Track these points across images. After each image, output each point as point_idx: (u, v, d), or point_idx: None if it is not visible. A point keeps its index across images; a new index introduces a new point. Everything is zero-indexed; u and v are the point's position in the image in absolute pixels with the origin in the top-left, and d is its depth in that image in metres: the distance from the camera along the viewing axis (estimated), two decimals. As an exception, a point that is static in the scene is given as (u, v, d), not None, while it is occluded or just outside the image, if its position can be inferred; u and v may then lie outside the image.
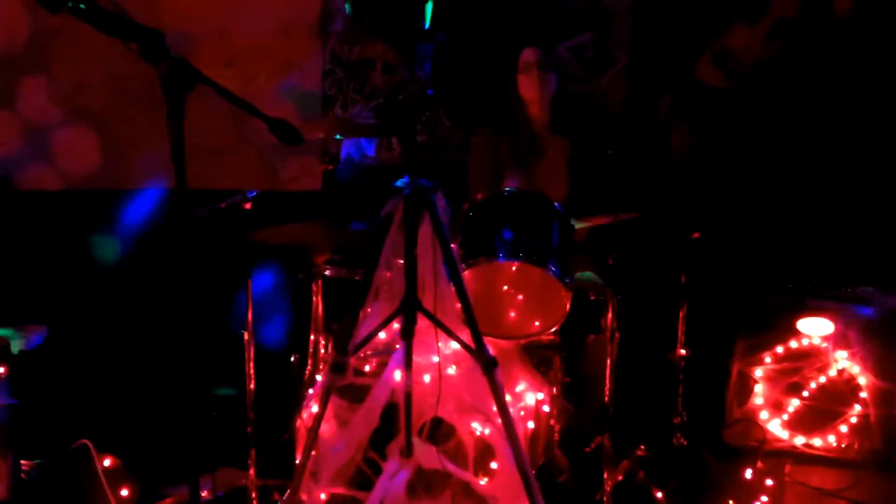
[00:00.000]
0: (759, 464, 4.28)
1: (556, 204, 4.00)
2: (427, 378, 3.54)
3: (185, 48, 4.85)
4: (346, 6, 5.19)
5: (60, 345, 4.29)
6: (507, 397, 3.38)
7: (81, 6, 2.39)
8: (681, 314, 4.20)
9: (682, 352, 4.22)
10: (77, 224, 5.12)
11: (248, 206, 3.92)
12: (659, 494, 4.02)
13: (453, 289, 3.34)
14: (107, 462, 3.83)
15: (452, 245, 3.56)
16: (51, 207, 5.12)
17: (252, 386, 4.06)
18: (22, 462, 3.81)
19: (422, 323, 3.31)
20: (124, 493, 3.82)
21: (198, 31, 5.26)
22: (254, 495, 4.01)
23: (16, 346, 3.86)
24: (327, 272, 4.21)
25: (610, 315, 4.01)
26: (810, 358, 4.60)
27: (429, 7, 3.06)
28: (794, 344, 4.63)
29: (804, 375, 4.60)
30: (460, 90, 5.32)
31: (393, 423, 3.45)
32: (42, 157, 5.22)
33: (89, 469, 3.68)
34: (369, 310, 3.49)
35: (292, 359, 4.38)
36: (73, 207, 5.16)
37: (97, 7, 2.43)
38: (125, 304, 5.10)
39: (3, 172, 5.16)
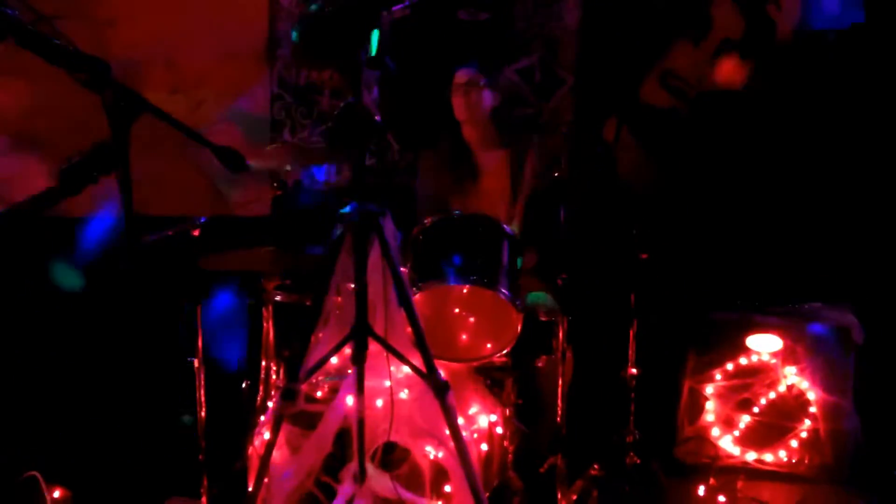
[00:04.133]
0: (712, 480, 4.32)
1: (504, 226, 4.02)
2: (379, 403, 3.54)
3: (131, 75, 4.82)
4: (293, 33, 5.21)
5: (7, 373, 4.24)
6: (460, 420, 3.38)
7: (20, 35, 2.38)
8: (631, 333, 4.24)
9: (633, 370, 4.25)
10: (24, 252, 5.06)
11: (196, 232, 3.89)
12: (613, 513, 4.04)
13: (404, 313, 3.34)
14: (56, 493, 3.78)
15: (402, 269, 3.56)
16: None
17: (203, 413, 4.02)
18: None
19: (373, 347, 3.30)
20: (74, 524, 3.78)
21: (144, 57, 5.24)
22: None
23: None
24: (278, 297, 4.20)
25: (561, 335, 4.02)
26: (760, 374, 4.64)
27: (375, 34, 3.07)
28: (743, 360, 4.67)
29: (754, 392, 4.64)
30: (406, 114, 5.34)
31: (346, 448, 3.44)
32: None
33: (39, 501, 3.63)
34: (320, 335, 3.47)
35: (244, 385, 4.36)
36: (18, 234, 5.09)
37: (40, 36, 2.42)
38: (74, 331, 5.04)
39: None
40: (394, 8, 3.25)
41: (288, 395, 3.22)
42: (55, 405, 4.84)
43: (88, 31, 5.13)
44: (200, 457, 3.99)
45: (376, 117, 3.24)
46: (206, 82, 5.41)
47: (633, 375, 4.25)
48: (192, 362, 3.96)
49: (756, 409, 4.62)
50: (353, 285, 3.26)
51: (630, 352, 4.23)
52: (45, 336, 5.04)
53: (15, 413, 4.62)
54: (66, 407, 4.84)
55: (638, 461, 4.25)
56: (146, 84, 5.27)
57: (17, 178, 5.15)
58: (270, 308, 4.20)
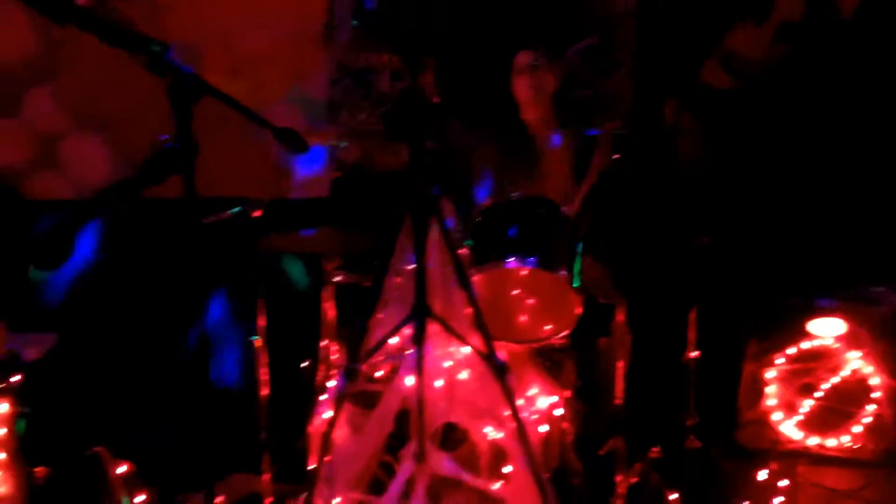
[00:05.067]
0: (773, 465, 4.27)
1: (564, 208, 4.02)
2: (439, 383, 3.55)
3: (191, 58, 4.86)
4: (353, 20, 5.22)
5: (73, 352, 4.31)
6: (519, 401, 3.38)
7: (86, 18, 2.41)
8: (692, 316, 4.20)
9: (694, 354, 4.22)
10: (91, 233, 5.13)
11: (257, 213, 3.93)
12: (672, 497, 4.01)
13: (463, 294, 3.34)
14: (121, 469, 3.84)
15: (462, 250, 3.57)
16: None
17: (265, 392, 4.06)
18: (36, 470, 3.82)
19: (433, 328, 3.31)
20: (139, 499, 3.83)
21: (204, 40, 5.27)
22: (268, 501, 4.02)
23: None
24: (338, 278, 4.22)
25: (621, 318, 4.00)
26: (822, 358, 4.59)
27: (432, 19, 3.07)
28: (805, 345, 4.62)
29: (817, 376, 4.59)
30: (467, 95, 5.33)
31: (406, 428, 3.46)
32: (51, 167, 5.23)
33: (103, 476, 3.69)
34: (380, 316, 3.49)
35: (304, 365, 4.39)
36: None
37: (102, 19, 2.44)
38: (138, 311, 5.10)
39: (11, 182, 5.18)
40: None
41: (349, 374, 3.25)
42: (120, 382, 4.91)
43: (148, 14, 5.17)
44: (262, 435, 4.04)
45: (436, 100, 3.24)
46: (264, 65, 5.42)
47: (693, 359, 4.21)
48: (254, 342, 4.01)
49: (818, 394, 4.57)
50: (412, 266, 3.28)
51: (690, 335, 4.20)
52: (111, 315, 5.10)
53: (81, 389, 4.70)
54: (131, 383, 4.91)
55: (698, 445, 4.22)
56: (205, 67, 5.30)
57: (80, 161, 5.24)
58: (330, 289, 4.22)
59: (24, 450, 3.72)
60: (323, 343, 4.27)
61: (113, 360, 4.97)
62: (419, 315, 3.26)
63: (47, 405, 3.89)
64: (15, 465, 3.71)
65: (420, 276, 3.26)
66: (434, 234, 3.32)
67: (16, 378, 3.81)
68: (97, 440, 3.75)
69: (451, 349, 3.44)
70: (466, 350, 3.41)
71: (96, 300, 5.13)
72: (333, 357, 4.24)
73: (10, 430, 3.70)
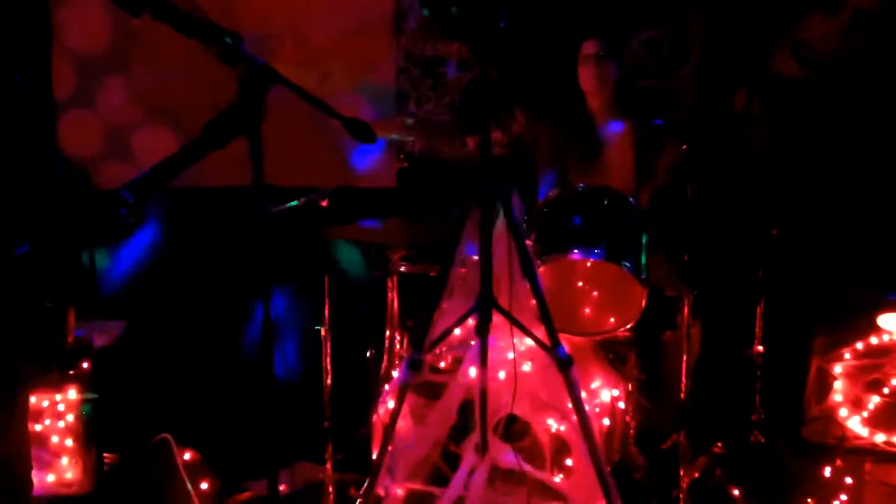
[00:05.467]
0: (839, 461, 4.22)
1: (630, 199, 3.99)
2: (502, 375, 3.55)
3: (261, 48, 4.90)
4: (423, 9, 5.22)
5: (140, 339, 4.39)
6: (583, 394, 3.37)
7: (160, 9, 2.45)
8: (758, 310, 4.16)
9: (760, 348, 4.18)
10: (158, 221, 5.22)
11: (324, 203, 3.96)
12: (736, 492, 3.99)
13: (528, 285, 3.34)
14: (187, 456, 3.91)
15: (527, 241, 3.57)
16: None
17: (329, 381, 4.11)
18: (104, 455, 3.90)
19: (497, 319, 3.32)
20: (204, 486, 3.89)
21: (273, 31, 5.31)
22: (331, 490, 4.06)
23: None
24: (402, 268, 4.24)
25: (686, 311, 3.98)
26: (891, 354, 4.51)
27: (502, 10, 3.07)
28: (874, 340, 4.54)
29: (885, 372, 4.51)
30: (532, 85, 5.31)
31: (469, 419, 3.47)
32: (122, 157, 5.32)
33: (170, 463, 3.75)
34: (444, 306, 3.50)
35: (368, 354, 4.43)
36: (154, 205, 5.24)
37: (176, 10, 2.48)
38: (204, 299, 5.18)
39: (83, 172, 5.27)
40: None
41: (413, 365, 3.26)
42: (186, 369, 5.00)
43: (219, 3, 5.22)
44: (326, 423, 4.08)
45: (503, 90, 3.24)
46: (332, 55, 5.45)
47: (759, 353, 4.17)
48: (320, 330, 4.05)
49: (886, 391, 4.49)
50: (478, 257, 3.28)
51: (757, 329, 4.16)
52: (178, 303, 5.18)
53: (148, 376, 4.78)
54: (198, 371, 4.99)
55: (763, 440, 4.18)
56: (274, 56, 5.34)
57: (151, 151, 5.31)
58: (395, 279, 4.25)
59: (93, 436, 3.81)
60: (387, 333, 4.30)
61: (179, 348, 5.05)
62: (484, 306, 3.27)
63: (116, 391, 3.97)
64: (84, 451, 3.80)
65: (485, 267, 3.26)
66: (500, 224, 3.31)
67: (85, 364, 3.90)
68: (164, 427, 3.82)
69: (515, 340, 3.44)
70: (530, 342, 3.40)
71: (163, 288, 5.22)
72: (397, 347, 4.27)
73: (79, 417, 3.79)
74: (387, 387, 4.06)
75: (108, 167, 5.29)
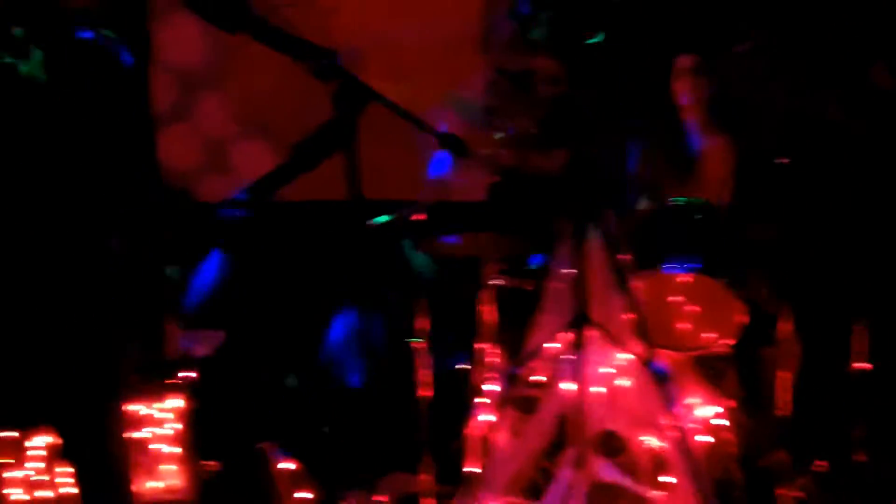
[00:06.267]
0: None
1: (726, 213, 3.96)
2: (599, 389, 3.53)
3: (353, 62, 4.95)
4: (515, 19, 5.23)
5: (240, 349, 4.45)
6: (681, 410, 3.34)
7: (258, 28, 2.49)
8: (861, 326, 4.07)
9: (862, 365, 4.09)
10: (255, 235, 5.28)
11: (419, 217, 3.99)
12: (837, 512, 3.91)
13: (624, 300, 3.33)
14: (287, 465, 3.95)
15: (623, 256, 3.55)
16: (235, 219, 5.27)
17: (423, 393, 4.12)
18: (206, 464, 3.97)
19: (593, 334, 3.31)
20: (304, 495, 3.93)
21: (364, 44, 5.36)
22: (426, 501, 4.07)
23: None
24: (497, 282, 4.24)
25: (785, 327, 3.92)
26: None
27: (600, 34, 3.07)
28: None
29: None
30: (624, 100, 5.29)
31: (564, 434, 3.46)
32: (220, 170, 5.41)
33: (270, 471, 3.80)
34: (540, 320, 3.50)
35: (462, 367, 4.42)
36: (252, 219, 5.31)
37: (273, 29, 2.52)
38: (301, 310, 5.21)
39: (183, 185, 5.37)
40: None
41: (510, 379, 3.27)
42: (286, 379, 5.04)
43: (312, 19, 5.28)
44: (421, 435, 4.09)
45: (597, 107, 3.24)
46: (423, 69, 5.49)
47: (862, 369, 4.08)
48: (414, 343, 4.07)
49: None
50: (572, 271, 3.28)
51: (860, 345, 4.07)
52: (276, 315, 5.23)
53: (249, 386, 4.84)
54: (297, 381, 5.03)
55: (866, 459, 4.09)
56: (366, 70, 5.39)
57: (248, 165, 5.40)
58: (490, 292, 4.24)
59: (195, 444, 3.87)
60: (480, 346, 4.29)
61: (278, 358, 5.10)
62: (579, 322, 3.26)
63: (217, 400, 4.03)
64: (186, 459, 3.86)
65: (580, 282, 3.26)
66: (594, 239, 3.31)
67: (186, 374, 3.97)
68: (265, 436, 3.87)
69: (611, 355, 3.42)
70: (627, 356, 3.38)
71: (260, 298, 5.27)
72: (491, 360, 4.26)
73: (183, 426, 3.86)
74: (481, 400, 4.06)
75: (207, 180, 5.38)
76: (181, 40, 5.32)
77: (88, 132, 2.77)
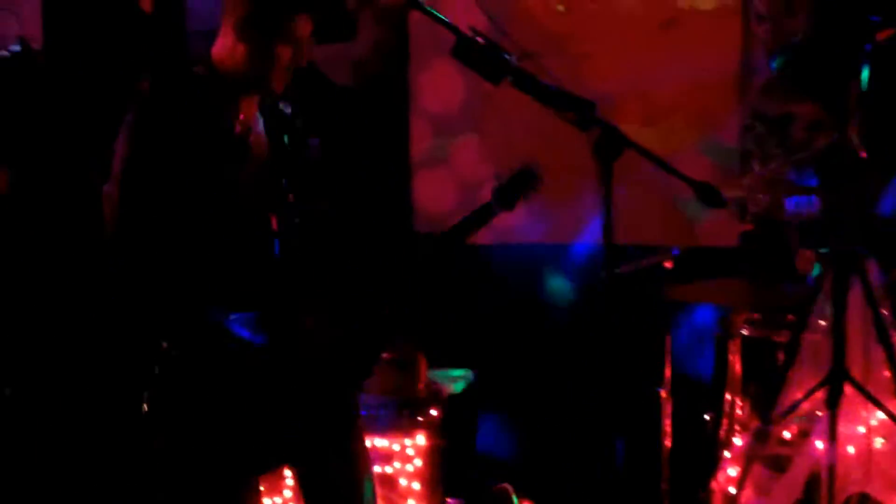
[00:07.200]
0: None
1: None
2: (852, 450, 3.39)
3: (604, 108, 4.98)
4: (774, 63, 5.11)
5: (486, 388, 4.53)
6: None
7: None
8: None
9: None
10: (506, 275, 5.36)
11: (670, 263, 3.96)
12: None
13: (883, 355, 3.19)
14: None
15: (883, 311, 3.40)
16: (479, 259, 5.38)
17: (668, 442, 4.07)
18: (448, 500, 4.06)
19: (848, 390, 3.18)
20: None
21: (617, 90, 5.37)
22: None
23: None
24: (746, 331, 4.14)
25: None
26: None
27: (865, 71, 2.96)
28: None
29: None
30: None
31: (815, 495, 3.33)
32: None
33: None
34: (793, 374, 3.40)
35: (707, 418, 4.34)
36: (503, 259, 5.40)
37: (535, 80, 2.57)
38: (544, 353, 5.25)
39: (436, 227, 5.52)
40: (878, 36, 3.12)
41: (760, 436, 3.19)
42: (529, 420, 5.08)
43: (566, 66, 5.33)
44: (664, 484, 4.05)
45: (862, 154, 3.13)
46: (676, 113, 5.43)
47: None
48: (659, 392, 4.03)
49: None
50: (828, 323, 3.17)
51: None
52: (521, 354, 5.29)
53: (492, 425, 4.92)
54: (540, 424, 5.06)
55: None
56: (619, 115, 5.37)
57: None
58: (738, 342, 4.16)
59: (440, 480, 3.97)
60: (727, 397, 4.20)
61: (524, 399, 5.14)
62: (836, 378, 3.14)
63: (462, 438, 4.13)
64: (430, 495, 3.97)
65: (838, 336, 3.14)
66: (856, 292, 3.19)
67: (434, 412, 4.08)
68: (506, 476, 3.93)
69: (868, 414, 3.28)
70: (883, 416, 3.23)
71: (506, 337, 5.34)
72: (737, 413, 4.17)
73: (428, 462, 3.97)
74: (726, 453, 3.97)
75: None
76: (439, 85, 5.50)
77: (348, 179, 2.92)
